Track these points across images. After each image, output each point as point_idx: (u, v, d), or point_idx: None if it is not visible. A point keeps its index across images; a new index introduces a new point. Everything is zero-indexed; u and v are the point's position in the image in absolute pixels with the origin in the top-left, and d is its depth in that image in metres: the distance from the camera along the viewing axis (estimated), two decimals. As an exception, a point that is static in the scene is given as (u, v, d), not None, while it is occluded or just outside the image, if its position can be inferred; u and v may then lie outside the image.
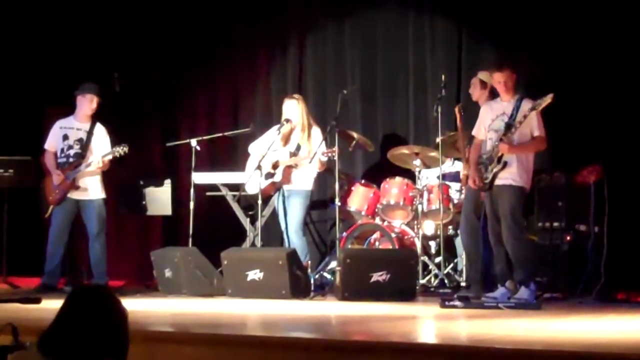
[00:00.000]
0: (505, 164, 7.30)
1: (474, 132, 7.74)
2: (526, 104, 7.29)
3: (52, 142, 8.78)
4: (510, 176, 7.33)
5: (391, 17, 9.78)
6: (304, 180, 8.64)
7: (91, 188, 8.67)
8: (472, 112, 8.13)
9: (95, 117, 8.80)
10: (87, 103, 8.71)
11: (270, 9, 10.28)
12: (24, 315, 5.03)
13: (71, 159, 8.66)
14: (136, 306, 6.72)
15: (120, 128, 9.34)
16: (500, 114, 7.43)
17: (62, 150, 8.72)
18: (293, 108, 8.66)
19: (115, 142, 8.68)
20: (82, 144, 8.70)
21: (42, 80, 10.15)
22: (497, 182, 7.36)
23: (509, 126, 7.30)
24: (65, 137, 8.72)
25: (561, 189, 8.18)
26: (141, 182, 9.52)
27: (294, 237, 8.54)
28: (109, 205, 8.94)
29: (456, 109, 8.33)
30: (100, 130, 8.78)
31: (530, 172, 7.43)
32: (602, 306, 7.09)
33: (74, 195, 8.64)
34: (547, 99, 7.12)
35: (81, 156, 8.65)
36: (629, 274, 7.78)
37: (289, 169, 8.62)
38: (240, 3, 10.36)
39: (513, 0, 9.07)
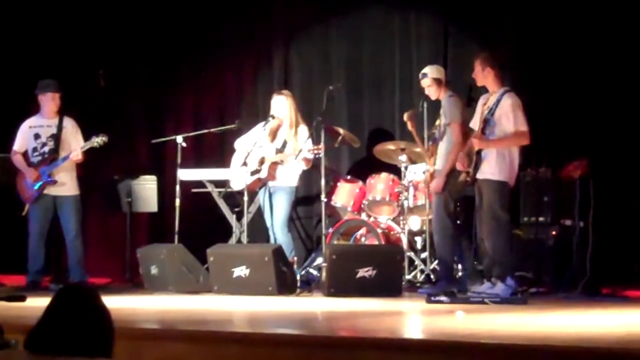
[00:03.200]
0: (477, 158, 7.31)
1: (471, 124, 7.73)
2: (507, 99, 7.30)
3: (22, 143, 8.75)
4: (489, 170, 7.32)
5: (377, 13, 9.77)
6: (289, 176, 8.64)
7: (68, 184, 8.65)
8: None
9: (62, 111, 8.78)
10: (49, 101, 8.71)
11: (256, 7, 10.26)
12: (9, 313, 5.02)
13: (46, 156, 8.64)
14: (122, 303, 6.72)
15: (106, 124, 9.31)
16: (487, 107, 7.44)
17: (35, 149, 8.69)
18: (282, 104, 8.66)
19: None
20: (55, 139, 8.67)
21: (27, 77, 10.09)
22: (479, 175, 7.36)
23: (486, 120, 7.33)
24: (37, 136, 8.70)
25: (547, 183, 8.19)
26: (127, 179, 9.49)
27: (280, 233, 8.54)
28: (94, 203, 8.91)
29: (405, 116, 8.33)
30: (69, 123, 8.77)
31: (514, 167, 7.38)
32: (588, 301, 7.11)
33: (51, 191, 8.61)
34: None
35: (55, 151, 8.64)
36: (614, 269, 7.82)
37: (274, 165, 8.61)
38: (227, 1, 10.33)
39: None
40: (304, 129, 8.62)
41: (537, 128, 7.48)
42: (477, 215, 7.52)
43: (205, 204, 9.55)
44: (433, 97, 8.14)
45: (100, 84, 9.95)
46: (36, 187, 8.55)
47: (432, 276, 8.37)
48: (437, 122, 8.04)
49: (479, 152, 7.33)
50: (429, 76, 8.10)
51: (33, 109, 8.94)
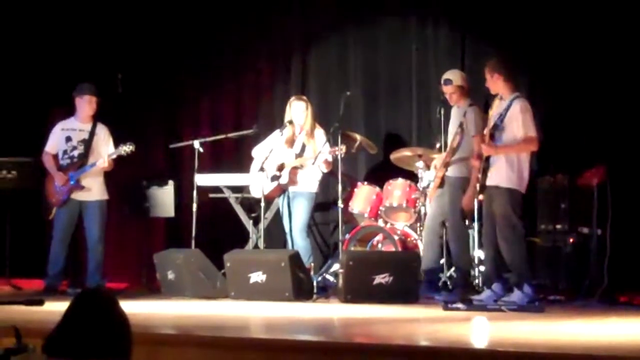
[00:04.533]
0: (486, 164, 7.29)
1: (485, 131, 7.68)
2: (515, 104, 7.26)
3: (54, 144, 8.78)
4: (497, 178, 7.27)
5: (394, 20, 9.77)
6: (309, 182, 8.65)
7: (95, 189, 8.69)
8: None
9: (97, 117, 8.82)
10: (86, 104, 8.74)
11: (274, 13, 10.28)
12: (27, 317, 5.04)
13: (75, 160, 8.68)
14: (139, 308, 6.74)
15: (123, 129, 9.35)
16: (498, 113, 7.40)
17: (65, 151, 8.73)
18: (302, 110, 8.67)
19: (118, 143, 8.70)
20: (86, 145, 8.71)
21: (46, 82, 10.15)
22: (488, 182, 7.32)
23: (495, 126, 7.31)
24: (69, 139, 8.73)
25: (564, 191, 8.17)
26: (144, 184, 9.52)
27: (299, 238, 8.55)
28: (111, 207, 8.95)
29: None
30: (102, 130, 8.81)
31: (524, 174, 7.28)
32: (605, 309, 7.08)
33: (78, 196, 8.65)
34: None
35: (84, 156, 8.67)
36: (631, 277, 7.78)
37: (295, 170, 8.63)
38: (244, 6, 10.36)
39: (516, 5, 9.05)
40: (320, 133, 8.65)
41: (554, 135, 7.47)
42: (484, 222, 7.49)
43: (222, 209, 9.56)
44: (452, 103, 8.10)
45: (119, 90, 9.98)
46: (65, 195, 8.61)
47: (448, 283, 8.36)
48: (457, 130, 7.92)
49: (487, 159, 7.30)
50: (454, 83, 8.04)
51: (52, 114, 8.97)
